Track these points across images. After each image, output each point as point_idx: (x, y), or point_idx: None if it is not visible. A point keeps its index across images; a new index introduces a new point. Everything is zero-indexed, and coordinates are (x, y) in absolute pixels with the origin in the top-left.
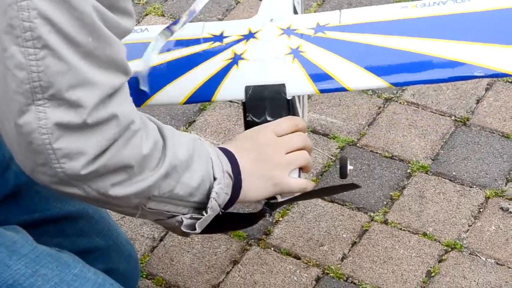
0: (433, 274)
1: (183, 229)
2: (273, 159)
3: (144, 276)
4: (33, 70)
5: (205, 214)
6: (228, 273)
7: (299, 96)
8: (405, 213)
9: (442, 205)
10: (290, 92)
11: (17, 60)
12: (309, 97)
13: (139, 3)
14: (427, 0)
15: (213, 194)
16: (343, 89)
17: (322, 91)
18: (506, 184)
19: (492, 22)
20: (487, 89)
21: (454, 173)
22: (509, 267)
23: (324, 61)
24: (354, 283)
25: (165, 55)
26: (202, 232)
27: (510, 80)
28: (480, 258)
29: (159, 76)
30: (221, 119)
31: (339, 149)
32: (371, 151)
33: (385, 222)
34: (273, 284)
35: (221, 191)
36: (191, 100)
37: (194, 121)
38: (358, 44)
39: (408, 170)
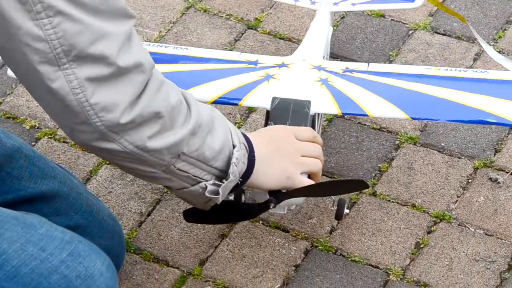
0: (422, 246)
1: (207, 194)
2: (290, 155)
3: (131, 251)
4: (52, 38)
5: (225, 181)
6: (216, 247)
7: (319, 120)
8: (393, 185)
9: (430, 176)
10: (314, 109)
11: (35, 33)
12: None
13: None
14: (450, 68)
15: (233, 159)
16: (364, 115)
17: (345, 113)
18: (494, 154)
19: (505, 86)
20: (475, 59)
21: (442, 144)
22: (498, 238)
23: (350, 90)
24: (343, 256)
25: (201, 64)
26: (205, 222)
27: (497, 50)
28: (469, 229)
29: (193, 76)
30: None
31: (326, 121)
32: (359, 123)
33: (374, 194)
34: (261, 258)
35: (240, 158)
36: (220, 100)
37: None
38: (383, 84)
39: (397, 142)
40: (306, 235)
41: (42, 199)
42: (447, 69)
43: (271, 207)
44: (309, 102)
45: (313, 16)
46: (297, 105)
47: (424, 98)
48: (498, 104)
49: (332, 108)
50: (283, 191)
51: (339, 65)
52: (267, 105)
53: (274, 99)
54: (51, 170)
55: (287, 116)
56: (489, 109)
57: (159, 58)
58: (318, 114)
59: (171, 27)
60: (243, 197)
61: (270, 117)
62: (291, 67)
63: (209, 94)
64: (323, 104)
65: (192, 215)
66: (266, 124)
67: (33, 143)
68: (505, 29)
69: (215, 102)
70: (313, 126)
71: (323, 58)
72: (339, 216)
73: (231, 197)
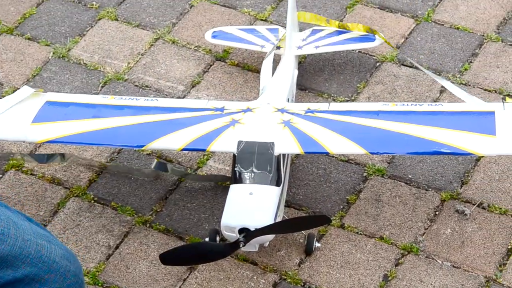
0: (390, 278)
1: None
2: None
3: (99, 284)
4: None
5: None
6: (185, 280)
7: (284, 159)
8: (361, 217)
9: (398, 208)
10: (277, 150)
11: None
12: None
13: (91, 7)
14: (406, 103)
15: None
16: (326, 152)
17: (307, 152)
18: (461, 186)
19: (458, 117)
20: (441, 91)
21: (410, 176)
22: (465, 270)
23: (312, 130)
24: None
25: (170, 114)
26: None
27: (463, 82)
28: (437, 261)
29: (163, 126)
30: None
31: (295, 154)
32: (327, 155)
33: (342, 226)
34: None
35: None
36: (188, 148)
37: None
38: (343, 122)
39: (364, 174)
40: (275, 268)
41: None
42: (403, 104)
43: (241, 246)
44: (273, 143)
45: (278, 60)
46: (261, 147)
47: (381, 134)
48: (452, 135)
49: (294, 148)
50: (252, 229)
51: (301, 107)
52: (234, 149)
53: (239, 142)
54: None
55: (253, 158)
56: (444, 140)
57: (131, 111)
58: (284, 153)
59: (140, 58)
60: (217, 238)
61: (237, 160)
62: (256, 111)
63: (178, 143)
64: (286, 145)
65: (169, 258)
66: (233, 167)
67: None
68: (470, 62)
69: (184, 149)
70: (278, 165)
71: (288, 100)
72: (309, 250)
73: (207, 238)
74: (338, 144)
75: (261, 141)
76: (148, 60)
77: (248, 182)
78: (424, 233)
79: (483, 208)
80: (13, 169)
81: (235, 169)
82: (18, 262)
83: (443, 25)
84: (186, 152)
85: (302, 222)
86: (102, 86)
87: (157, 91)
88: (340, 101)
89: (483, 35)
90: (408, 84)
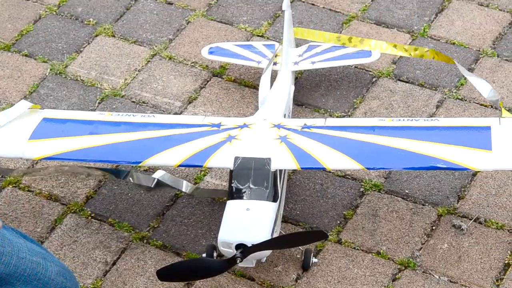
0: None
1: None
2: None
3: None
4: None
5: None
6: None
7: (281, 175)
8: (358, 232)
9: (395, 223)
10: (274, 166)
11: None
12: None
13: (88, 24)
14: (402, 118)
15: None
16: (322, 168)
17: (304, 168)
18: (458, 201)
19: (454, 132)
20: (437, 106)
21: (406, 191)
22: (462, 285)
23: (308, 146)
24: None
25: (167, 130)
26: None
27: (459, 98)
28: (434, 276)
29: (160, 142)
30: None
31: (291, 171)
32: (323, 170)
33: (339, 242)
34: None
35: None
36: (185, 164)
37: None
38: (339, 138)
39: (361, 189)
40: (272, 283)
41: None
42: (399, 119)
43: (238, 261)
44: (270, 159)
45: (275, 76)
46: (258, 163)
47: (377, 149)
48: (448, 150)
49: (291, 163)
50: (249, 245)
51: (297, 122)
52: (230, 165)
53: (236, 158)
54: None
55: (250, 174)
56: (440, 155)
57: (128, 127)
58: (280, 169)
59: (137, 74)
60: (215, 254)
61: (233, 176)
62: (252, 127)
63: (175, 159)
64: (283, 161)
65: (166, 274)
66: (230, 183)
67: None
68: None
69: (181, 166)
70: (275, 181)
71: (285, 116)
72: (306, 266)
73: (204, 254)
74: (334, 160)
75: (258, 157)
76: (145, 76)
77: (245, 198)
78: (421, 248)
79: (480, 223)
80: (11, 186)
81: (232, 185)
82: (13, 280)
83: (439, 40)
84: (183, 168)
85: (299, 237)
86: (99, 103)
87: (154, 107)
88: (337, 117)
89: (479, 50)
90: (405, 99)
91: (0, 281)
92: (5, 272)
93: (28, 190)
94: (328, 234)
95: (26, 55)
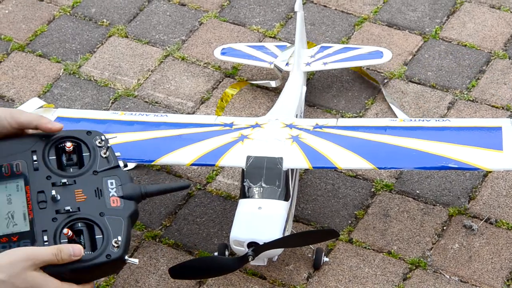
0: None
1: None
2: None
3: None
4: None
5: None
6: None
7: (292, 174)
8: (369, 231)
9: (406, 223)
10: (286, 165)
11: None
12: None
13: (102, 25)
14: (413, 118)
15: None
16: (334, 167)
17: (316, 167)
18: (469, 202)
19: (465, 133)
20: (449, 108)
21: (417, 192)
22: (473, 285)
23: (320, 145)
24: None
25: (180, 130)
26: (190, 277)
27: (471, 99)
28: (444, 275)
29: (173, 141)
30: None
31: (303, 169)
32: (335, 170)
33: (350, 241)
34: None
35: None
36: (197, 163)
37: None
38: (351, 138)
39: (372, 189)
40: (283, 282)
41: None
42: (411, 120)
43: (249, 259)
44: (282, 158)
45: (287, 77)
46: (270, 162)
47: (389, 149)
48: (459, 150)
49: (303, 163)
50: (260, 243)
51: (309, 122)
52: (243, 164)
53: (248, 157)
54: None
55: (262, 173)
56: (451, 155)
57: (141, 126)
58: (292, 168)
59: (149, 75)
60: (226, 252)
61: (246, 175)
62: (264, 127)
63: (188, 157)
64: (295, 160)
65: (178, 272)
66: (242, 181)
67: None
68: (478, 79)
69: (194, 164)
70: (286, 180)
71: (296, 116)
72: (317, 264)
73: (216, 253)
74: (346, 159)
75: (270, 156)
76: (157, 76)
77: (257, 196)
78: (432, 248)
79: (491, 223)
80: None
81: (244, 184)
82: None
83: (450, 42)
84: (195, 167)
85: (310, 236)
86: (112, 102)
87: (167, 107)
88: (348, 117)
89: (491, 52)
90: (416, 100)
91: None
92: None
93: None
94: (340, 233)
95: (40, 55)
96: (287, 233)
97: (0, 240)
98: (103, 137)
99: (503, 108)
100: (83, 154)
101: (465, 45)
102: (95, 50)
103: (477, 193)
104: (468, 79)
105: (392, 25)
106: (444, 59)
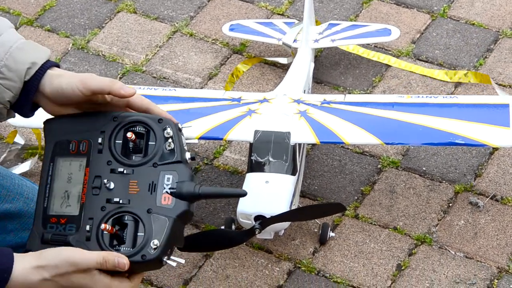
0: (403, 268)
1: None
2: None
3: None
4: None
5: None
6: (200, 267)
7: (300, 149)
8: (375, 207)
9: (412, 199)
10: (293, 140)
11: None
12: None
13: (110, 0)
14: (421, 95)
15: None
16: (341, 142)
17: (323, 142)
18: (475, 179)
19: (472, 109)
20: (456, 86)
21: (424, 168)
22: (478, 261)
23: (327, 120)
24: (325, 277)
25: (188, 104)
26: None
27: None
28: (450, 251)
29: (181, 115)
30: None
31: (310, 146)
32: (342, 146)
33: (356, 217)
34: (245, 278)
35: None
36: (205, 136)
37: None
38: (358, 113)
39: (379, 166)
40: (289, 256)
41: (6, 217)
42: (418, 96)
43: (256, 233)
44: (289, 133)
45: (295, 53)
46: (278, 136)
47: (396, 124)
48: (466, 127)
49: (310, 138)
50: (267, 217)
51: (317, 98)
52: (250, 138)
53: (256, 132)
54: (17, 187)
55: (269, 147)
56: (458, 131)
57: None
58: (300, 143)
59: (158, 50)
60: (233, 227)
61: (253, 149)
62: (272, 102)
63: (196, 131)
64: (302, 135)
65: (185, 245)
66: (250, 156)
67: (19, 163)
68: (485, 57)
69: (202, 138)
70: (294, 155)
71: (304, 92)
72: (323, 239)
73: (222, 227)
74: (353, 135)
75: (278, 131)
76: (166, 52)
77: (264, 170)
78: (438, 224)
79: (496, 200)
80: (32, 157)
81: (252, 158)
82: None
83: (458, 21)
84: (203, 142)
85: (317, 209)
86: (120, 77)
87: (175, 83)
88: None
89: (498, 31)
90: (423, 78)
91: (22, 227)
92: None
93: None
94: (346, 208)
95: (48, 30)
96: (294, 208)
97: (49, 220)
98: (175, 126)
99: (510, 86)
100: (149, 143)
101: (473, 24)
102: (103, 25)
103: (483, 171)
104: (476, 58)
105: (400, 3)
106: (452, 37)
